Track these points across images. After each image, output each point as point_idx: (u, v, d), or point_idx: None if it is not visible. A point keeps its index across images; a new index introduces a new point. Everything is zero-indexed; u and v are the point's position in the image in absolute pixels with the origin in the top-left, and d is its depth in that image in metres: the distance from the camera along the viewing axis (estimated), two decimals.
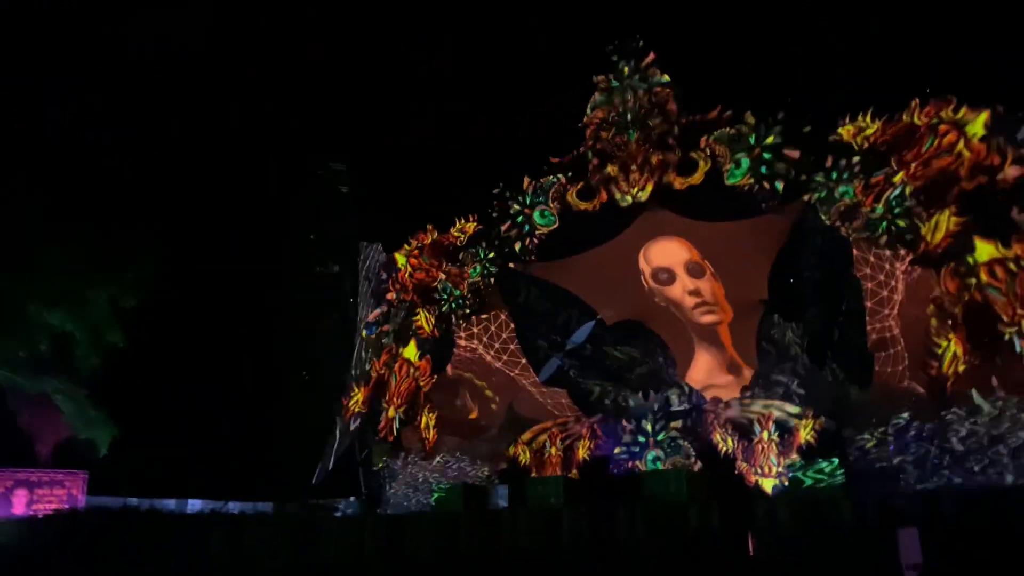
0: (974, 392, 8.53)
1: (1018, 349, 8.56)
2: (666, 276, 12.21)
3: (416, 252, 13.19)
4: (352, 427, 12.82)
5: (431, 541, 9.66)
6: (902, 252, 9.75)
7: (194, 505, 13.77)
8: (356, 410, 12.76)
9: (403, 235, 13.50)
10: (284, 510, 12.92)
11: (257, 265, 15.63)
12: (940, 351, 8.94)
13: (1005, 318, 8.52)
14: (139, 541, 10.50)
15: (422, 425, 12.33)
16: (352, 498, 12.47)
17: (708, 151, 11.10)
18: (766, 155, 10.61)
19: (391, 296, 13.25)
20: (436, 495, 10.41)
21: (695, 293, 11.91)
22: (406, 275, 13.16)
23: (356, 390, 12.94)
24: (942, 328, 9.01)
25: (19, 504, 13.13)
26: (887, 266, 10.12)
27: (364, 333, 13.41)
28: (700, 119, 11.39)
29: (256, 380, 15.71)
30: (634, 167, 11.44)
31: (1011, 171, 8.88)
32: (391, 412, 12.34)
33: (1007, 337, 8.56)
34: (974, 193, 9.04)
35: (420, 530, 9.75)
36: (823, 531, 8.37)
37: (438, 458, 11.76)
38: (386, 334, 13.06)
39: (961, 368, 8.77)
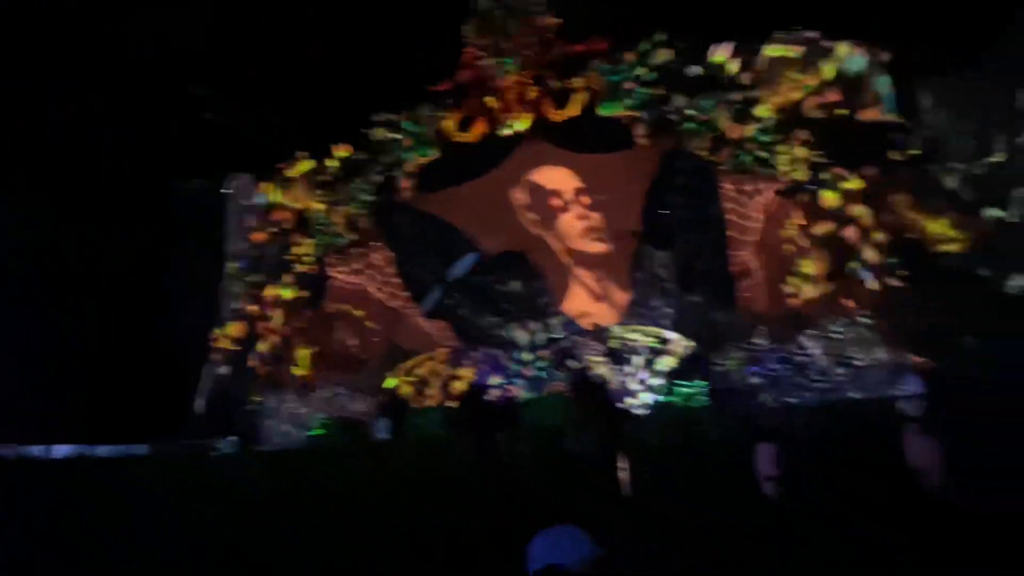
0: (826, 313, 9.28)
1: (865, 274, 9.27)
2: (546, 205, 12.26)
3: (289, 182, 12.75)
4: (224, 364, 12.48)
5: (312, 476, 9.64)
6: (762, 183, 10.26)
7: (60, 451, 13.10)
8: (227, 347, 12.40)
9: (274, 164, 13.00)
10: (159, 452, 12.48)
11: (122, 197, 14.65)
12: (795, 278, 9.58)
13: (854, 245, 9.20)
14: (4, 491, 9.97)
15: (298, 360, 12.14)
16: (229, 437, 12.21)
17: (585, 83, 11.20)
18: (640, 88, 10.81)
19: (263, 228, 12.81)
20: (314, 430, 10.33)
21: (584, 218, 12.01)
22: (280, 206, 12.74)
23: (227, 326, 12.56)
24: (797, 256, 9.65)
25: None
26: (749, 197, 10.59)
27: (234, 266, 12.94)
28: (578, 50, 11.44)
29: (120, 317, 14.89)
30: (512, 98, 11.42)
31: (865, 104, 9.47)
32: (265, 347, 12.07)
33: (855, 264, 9.26)
34: (828, 125, 9.62)
35: (300, 466, 9.70)
36: (689, 447, 8.90)
37: (316, 393, 11.68)
38: (258, 268, 12.67)
39: (815, 294, 9.43)
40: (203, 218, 13.98)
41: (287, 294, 12.46)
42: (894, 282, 9.09)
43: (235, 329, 12.73)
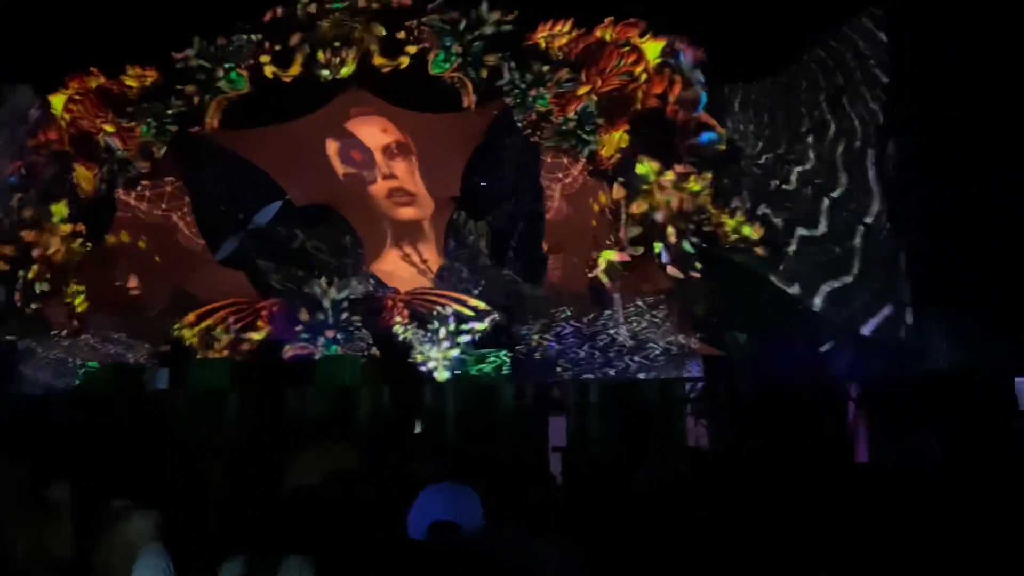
0: (625, 297, 9.67)
1: (664, 261, 9.72)
2: (363, 159, 11.75)
3: (77, 98, 11.35)
4: None
5: (75, 423, 8.74)
6: (581, 163, 10.46)
7: None
8: None
9: (60, 77, 11.52)
10: None
11: None
12: (599, 257, 9.87)
13: (656, 232, 9.62)
14: None
15: (69, 298, 10.90)
16: None
17: (416, 35, 10.86)
18: (471, 50, 10.65)
19: (40, 147, 11.33)
20: (83, 373, 9.34)
21: (390, 177, 11.59)
22: (62, 122, 11.32)
23: None
24: (604, 236, 9.95)
25: None
26: (567, 175, 10.75)
27: (3, 187, 11.36)
28: (412, 2, 11.05)
29: None
30: (337, 41, 10.83)
31: (677, 103, 9.93)
32: (29, 277, 10.71)
33: (656, 250, 9.69)
34: (645, 115, 9.99)
35: (61, 411, 8.77)
36: (486, 416, 8.95)
37: (87, 335, 10.56)
38: (32, 188, 11.20)
39: (615, 273, 9.77)
40: None
41: (64, 221, 11.12)
42: (690, 271, 9.57)
43: (1, 254, 11.24)
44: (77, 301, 10.99)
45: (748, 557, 2.98)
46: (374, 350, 10.46)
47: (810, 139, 9.72)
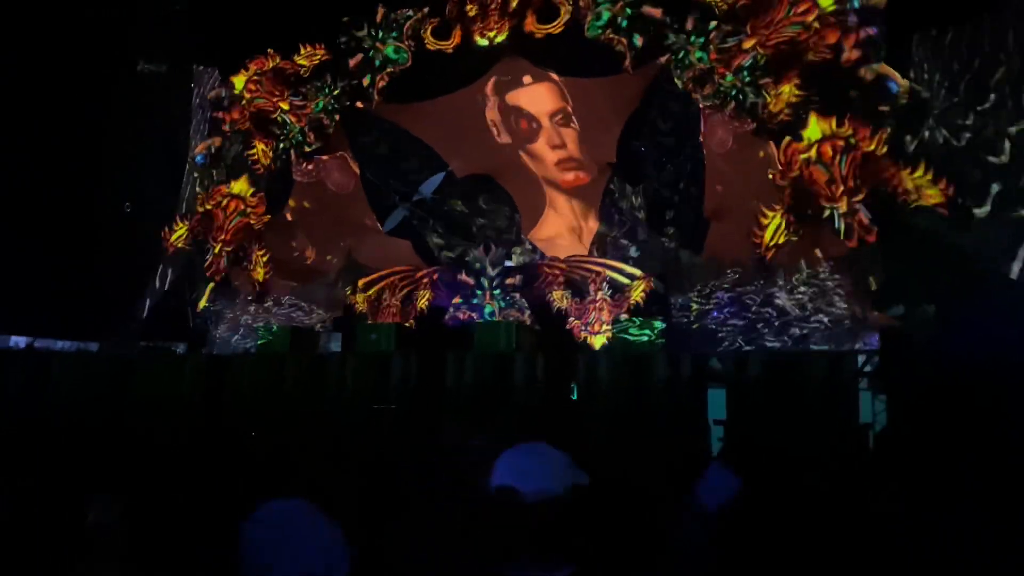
0: (792, 264, 9.11)
1: (837, 225, 9.05)
2: (529, 127, 11.78)
3: (256, 78, 12.15)
4: (177, 264, 12.10)
5: (254, 382, 9.44)
6: (745, 122, 9.90)
7: (18, 342, 12.79)
8: (180, 246, 12.01)
9: (241, 60, 12.36)
10: (111, 351, 12.21)
11: (79, 88, 13.94)
12: (766, 222, 9.33)
13: (827, 194, 8.95)
14: None
15: (253, 265, 11.78)
16: (178, 341, 11.95)
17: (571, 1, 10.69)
18: (628, 10, 10.33)
19: (225, 125, 12.27)
20: (262, 338, 10.07)
21: (560, 147, 11.56)
22: (244, 102, 12.16)
23: (180, 224, 12.13)
24: (770, 200, 9.38)
25: None
26: (730, 136, 10.24)
27: (193, 163, 12.43)
28: None
29: (76, 212, 14.34)
30: (493, 6, 10.88)
31: (854, 52, 9.10)
32: (218, 250, 11.68)
33: (827, 214, 9.03)
34: (817, 68, 9.25)
35: (243, 370, 9.49)
36: (640, 385, 8.79)
37: (269, 301, 11.38)
38: (217, 165, 12.17)
39: (783, 240, 9.21)
40: (166, 109, 13.38)
41: (246, 194, 12.00)
42: (865, 235, 8.87)
43: (191, 227, 12.33)
44: (259, 269, 11.85)
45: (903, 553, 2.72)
46: (530, 318, 10.53)
47: (1006, 88, 8.64)
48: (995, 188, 8.63)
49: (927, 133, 8.93)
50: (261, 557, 2.05)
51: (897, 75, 9.10)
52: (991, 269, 8.62)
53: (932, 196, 8.67)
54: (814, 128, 9.09)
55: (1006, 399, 7.50)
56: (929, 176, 8.76)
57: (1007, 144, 8.60)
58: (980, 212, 8.60)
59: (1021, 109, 8.57)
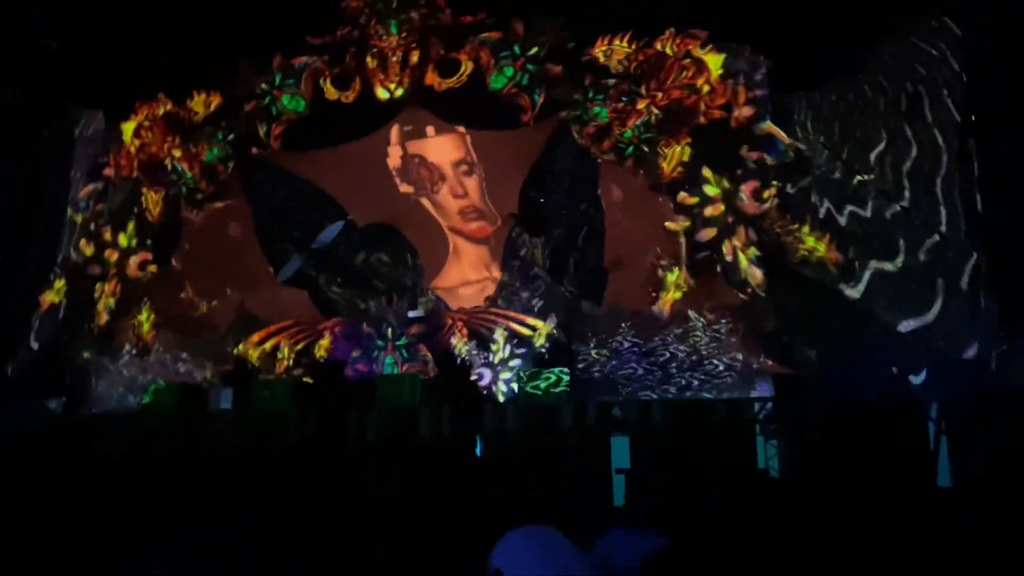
0: (688, 313, 9.41)
1: (730, 277, 9.43)
2: (434, 175, 11.75)
3: (146, 124, 11.67)
4: (54, 318, 11.32)
5: (138, 442, 8.87)
6: (641, 178, 10.24)
7: None
8: (59, 300, 11.26)
9: (129, 104, 11.86)
10: None
11: None
12: (662, 274, 9.63)
13: (723, 248, 9.33)
14: None
15: (139, 319, 11.16)
16: (54, 398, 11.14)
17: (472, 54, 10.85)
18: (529, 66, 10.56)
19: (110, 172, 11.70)
20: (149, 394, 9.50)
21: (462, 196, 11.58)
22: (132, 149, 11.65)
23: (61, 275, 11.39)
24: (667, 251, 9.70)
25: None
26: (627, 191, 10.54)
27: (73, 213, 11.76)
28: (466, 20, 11.04)
29: None
30: (394, 60, 10.90)
31: (744, 111, 9.61)
32: (102, 304, 11.02)
33: (719, 267, 9.42)
34: (708, 127, 9.73)
35: (125, 431, 8.92)
36: (547, 435, 8.77)
37: (155, 355, 10.78)
38: (100, 215, 11.56)
39: (679, 293, 9.51)
40: (44, 154, 12.65)
41: (132, 245, 11.41)
42: (756, 287, 9.25)
43: (71, 279, 11.60)
44: (145, 322, 11.24)
45: None
46: (434, 369, 10.38)
47: (882, 150, 9.29)
48: (871, 245, 9.19)
49: (811, 190, 9.46)
50: None
51: (782, 134, 9.64)
52: (871, 316, 9.12)
53: (817, 249, 9.15)
54: (709, 184, 9.50)
55: (887, 432, 7.91)
56: (816, 232, 9.26)
57: (881, 203, 9.21)
58: (860, 264, 9.12)
59: (895, 169, 9.22)
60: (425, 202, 11.86)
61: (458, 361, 10.18)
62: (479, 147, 11.54)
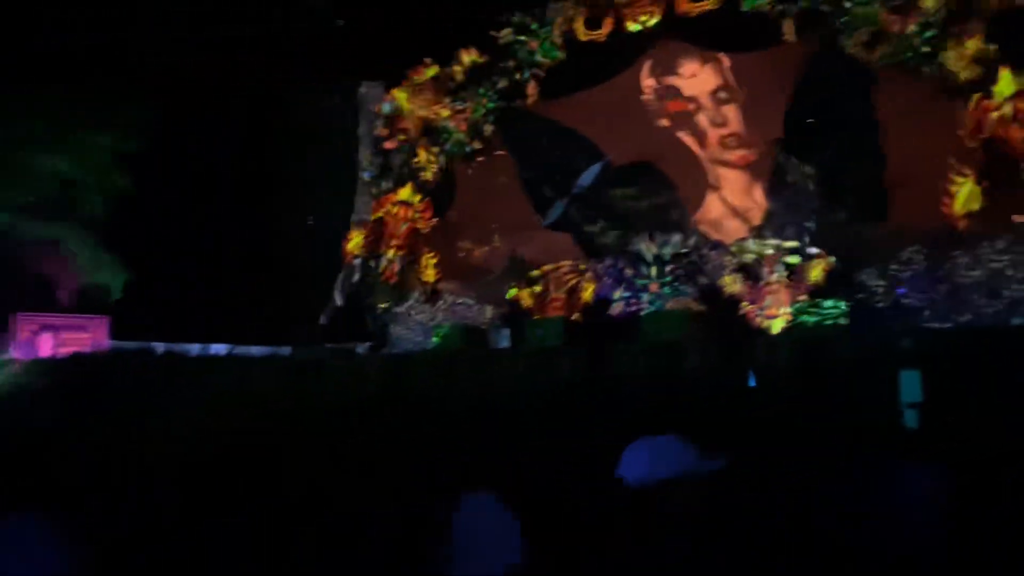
0: (986, 231, 8.29)
1: None
2: (691, 106, 11.48)
3: (417, 89, 12.65)
4: (354, 271, 12.82)
5: (430, 379, 9.81)
6: (925, 82, 9.12)
7: (217, 349, 13.98)
8: (356, 253, 12.71)
9: (400, 71, 12.90)
10: (301, 354, 13.12)
11: (258, 110, 15.10)
12: (956, 187, 8.55)
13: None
14: (161, 379, 10.79)
15: (422, 267, 12.28)
16: (367, 343, 12.65)
17: None
18: None
19: (391, 136, 12.85)
20: (437, 336, 10.45)
21: (722, 125, 11.20)
22: (407, 113, 12.70)
23: (356, 233, 12.83)
24: (960, 163, 8.58)
25: (45, 347, 13.33)
26: (909, 98, 9.47)
27: (364, 175, 13.13)
28: None
29: (263, 226, 15.56)
30: None
31: None
32: (391, 255, 12.26)
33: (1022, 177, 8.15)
34: (1002, 19, 8.35)
35: (420, 368, 9.88)
36: (824, 369, 8.32)
37: (440, 301, 11.81)
38: (385, 175, 12.78)
39: (975, 206, 8.40)
40: (335, 126, 14.20)
41: (413, 200, 12.52)
42: None
43: (365, 236, 13.01)
44: (429, 270, 12.34)
45: None
46: (701, 305, 10.23)
47: None
48: None
49: None
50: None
51: None
52: None
53: None
54: (1006, 83, 8.22)
55: None
56: None
57: None
58: None
59: None
60: (683, 135, 11.60)
61: (726, 295, 9.94)
62: (737, 71, 11.01)
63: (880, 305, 8.84)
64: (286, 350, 13.61)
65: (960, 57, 8.62)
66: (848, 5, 9.56)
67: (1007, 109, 8.21)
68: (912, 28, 9.13)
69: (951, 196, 8.66)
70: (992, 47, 8.43)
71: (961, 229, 8.50)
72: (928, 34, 8.98)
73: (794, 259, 9.82)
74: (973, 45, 8.59)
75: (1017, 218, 8.16)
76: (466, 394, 9.25)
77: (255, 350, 13.39)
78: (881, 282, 9.07)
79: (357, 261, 12.95)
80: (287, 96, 14.41)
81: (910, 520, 2.39)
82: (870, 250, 9.29)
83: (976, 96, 8.52)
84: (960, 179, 8.63)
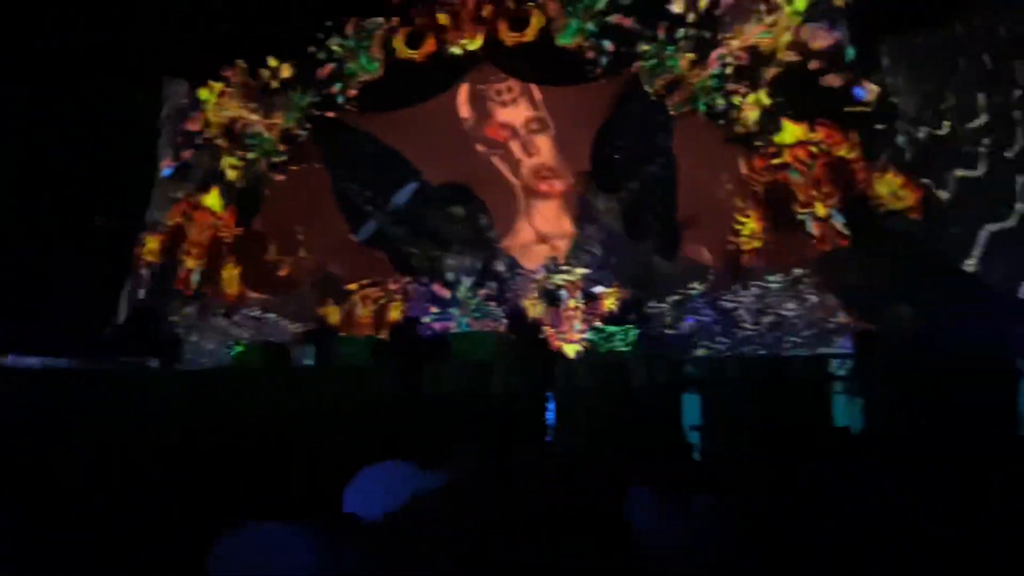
0: (765, 268, 9.18)
1: (810, 230, 9.12)
2: (506, 134, 11.75)
3: (224, 90, 12.03)
4: (145, 279, 11.92)
5: (227, 397, 9.29)
6: (717, 128, 9.96)
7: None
8: (150, 260, 11.83)
9: (211, 71, 12.23)
10: (87, 366, 11.94)
11: (54, 103, 13.72)
12: (740, 226, 9.39)
13: (801, 199, 9.02)
14: None
15: (224, 279, 11.63)
16: (151, 355, 11.76)
17: (542, 7, 10.69)
18: (599, 18, 10.37)
19: (194, 136, 12.12)
20: (235, 351, 9.92)
21: (535, 155, 11.57)
22: (212, 115, 12.04)
23: (150, 238, 11.95)
24: (744, 205, 9.44)
25: None
26: (701, 141, 10.29)
27: (162, 177, 12.28)
28: None
29: (48, 226, 14.08)
30: (465, 16, 10.86)
31: (824, 56, 9.19)
32: (190, 264, 11.53)
33: (800, 218, 9.10)
34: (786, 74, 9.34)
35: (215, 385, 9.33)
36: (617, 392, 8.76)
37: (241, 314, 11.25)
38: (188, 178, 12.02)
39: (757, 244, 9.26)
40: (135, 125, 13.18)
41: (217, 207, 11.86)
42: (838, 239, 8.94)
43: (161, 241, 12.15)
44: (231, 282, 11.70)
45: (896, 548, 2.70)
46: (508, 327, 10.49)
47: (969, 94, 8.76)
48: (957, 188, 8.73)
49: (897, 137, 9.03)
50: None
51: (864, 79, 9.19)
52: (959, 269, 8.71)
53: (904, 199, 8.76)
54: (788, 133, 9.16)
55: (975, 390, 7.57)
56: (900, 180, 8.85)
57: (977, 150, 8.72)
58: (950, 214, 8.70)
59: (991, 115, 8.69)
60: (497, 161, 11.87)
61: (530, 319, 10.26)
62: (550, 104, 11.43)
63: (668, 333, 9.52)
64: (63, 362, 12.40)
65: (747, 107, 9.49)
66: (651, 50, 10.22)
67: (787, 156, 9.13)
68: (706, 78, 9.91)
69: (736, 234, 9.47)
70: (776, 99, 9.35)
71: (743, 265, 9.31)
72: (720, 84, 9.79)
73: (595, 287, 10.33)
74: (758, 98, 9.49)
75: (789, 258, 9.11)
76: (267, 413, 8.84)
77: (31, 361, 12.13)
78: (670, 312, 9.78)
79: (151, 268, 12.04)
80: (78, 89, 13.16)
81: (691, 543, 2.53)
82: (662, 282, 9.97)
83: (759, 144, 9.40)
84: (744, 219, 9.46)
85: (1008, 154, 8.64)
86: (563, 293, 10.13)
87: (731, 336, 9.17)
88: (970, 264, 8.52)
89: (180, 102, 12.65)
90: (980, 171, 8.56)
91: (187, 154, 12.34)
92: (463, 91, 11.61)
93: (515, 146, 11.66)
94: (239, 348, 9.87)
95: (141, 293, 12.28)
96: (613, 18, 10.38)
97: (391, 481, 2.19)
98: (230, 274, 11.76)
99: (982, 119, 8.82)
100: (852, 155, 9.02)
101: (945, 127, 8.98)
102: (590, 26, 10.44)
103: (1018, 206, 8.36)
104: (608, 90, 10.82)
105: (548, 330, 10.05)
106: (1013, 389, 7.53)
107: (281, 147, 11.94)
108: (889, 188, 8.95)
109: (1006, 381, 7.54)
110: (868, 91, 9.06)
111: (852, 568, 2.51)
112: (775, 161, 9.30)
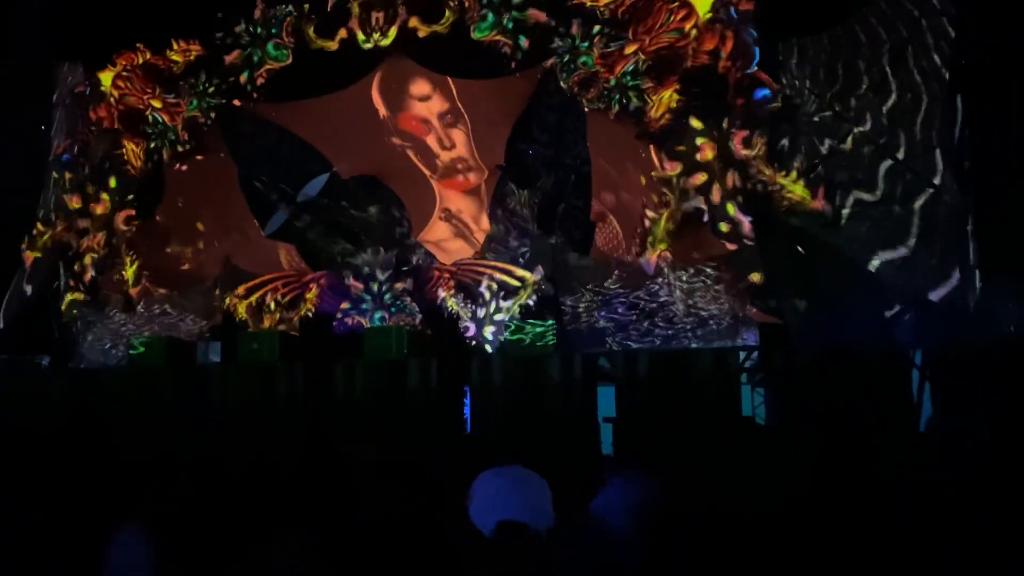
0: (675, 264, 9.39)
1: (717, 227, 9.38)
2: (420, 127, 11.58)
3: (125, 74, 11.45)
4: (38, 274, 11.24)
5: (127, 396, 8.92)
6: (629, 127, 10.13)
7: None
8: (43, 256, 11.16)
9: (109, 55, 11.61)
10: None
11: None
12: (650, 224, 9.58)
13: (711, 198, 9.26)
14: None
15: (125, 274, 11.10)
16: (42, 353, 11.12)
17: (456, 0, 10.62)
18: (513, 13, 10.36)
19: (91, 123, 11.49)
20: (136, 349, 9.50)
21: (449, 148, 11.44)
22: (111, 100, 11.44)
23: (43, 231, 11.28)
24: (653, 202, 9.64)
25: None
26: (613, 138, 10.44)
27: (57, 163, 11.58)
28: None
29: None
30: (377, 7, 10.67)
31: (731, 57, 9.45)
32: (87, 259, 10.94)
33: (707, 216, 9.35)
34: (696, 74, 9.56)
35: (114, 385, 8.94)
36: (533, 386, 8.84)
37: (141, 309, 10.75)
38: (82, 168, 11.39)
39: (665, 243, 9.47)
40: (25, 106, 12.41)
41: (114, 199, 11.29)
42: (743, 237, 9.23)
43: (54, 234, 11.50)
44: (130, 276, 11.18)
45: (801, 534, 2.80)
46: (421, 322, 10.40)
47: (870, 96, 9.18)
48: (857, 195, 9.14)
49: (799, 138, 9.37)
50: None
51: (769, 80, 9.50)
52: (856, 265, 9.13)
53: (804, 196, 9.11)
54: (696, 132, 9.39)
55: (872, 380, 7.98)
56: (801, 181, 9.20)
57: (867, 151, 9.14)
58: (846, 213, 9.10)
59: (882, 118, 9.12)
60: (412, 154, 11.72)
61: (445, 314, 10.20)
62: (465, 97, 11.36)
63: (583, 328, 9.62)
64: None
65: (657, 106, 9.68)
66: (565, 46, 10.29)
67: (695, 156, 9.36)
68: (618, 75, 10.05)
69: (647, 231, 9.66)
70: (683, 98, 9.57)
71: (655, 261, 9.50)
72: (632, 82, 9.94)
73: (511, 281, 10.34)
74: (668, 96, 9.69)
75: (698, 254, 9.36)
76: (170, 412, 8.52)
77: None
78: (585, 307, 9.89)
79: (41, 261, 11.35)
80: None
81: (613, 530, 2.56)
82: (577, 277, 10.07)
83: (669, 142, 9.61)
84: (653, 215, 9.66)
85: (897, 155, 9.10)
86: (479, 287, 10.10)
87: (643, 331, 9.35)
88: (873, 266, 8.96)
89: (76, 86, 11.96)
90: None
91: (84, 140, 11.68)
92: (376, 82, 11.42)
93: (431, 140, 11.52)
94: (140, 345, 9.44)
95: (29, 288, 11.59)
96: (528, 12, 10.38)
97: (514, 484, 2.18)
98: (129, 267, 11.23)
99: (870, 123, 9.25)
100: (757, 155, 9.31)
101: (842, 129, 9.37)
102: (505, 21, 10.42)
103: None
104: (523, 85, 10.84)
105: (464, 325, 10.01)
106: (907, 379, 7.98)
107: (184, 136, 11.47)
108: (792, 186, 9.29)
109: (901, 371, 7.98)
110: (771, 92, 9.37)
111: None
112: (684, 160, 9.49)
